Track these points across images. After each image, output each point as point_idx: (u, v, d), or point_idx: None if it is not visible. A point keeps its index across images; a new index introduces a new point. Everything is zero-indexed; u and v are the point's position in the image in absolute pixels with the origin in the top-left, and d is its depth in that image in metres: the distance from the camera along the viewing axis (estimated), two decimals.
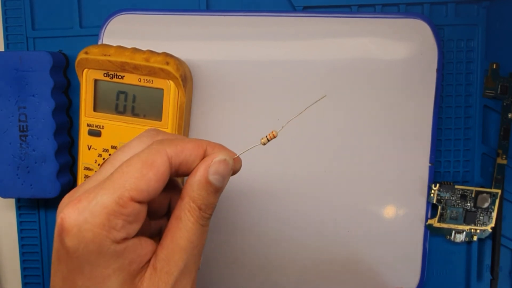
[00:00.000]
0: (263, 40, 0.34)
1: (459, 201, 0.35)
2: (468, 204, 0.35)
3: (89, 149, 0.33)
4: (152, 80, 0.32)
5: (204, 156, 0.23)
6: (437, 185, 0.35)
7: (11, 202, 0.38)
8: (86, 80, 0.32)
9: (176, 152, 0.22)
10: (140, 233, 0.22)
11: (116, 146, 0.32)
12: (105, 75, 0.32)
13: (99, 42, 0.35)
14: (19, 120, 0.34)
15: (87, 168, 0.33)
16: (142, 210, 0.21)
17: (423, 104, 0.34)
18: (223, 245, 0.35)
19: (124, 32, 0.35)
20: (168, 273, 0.22)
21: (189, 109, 0.34)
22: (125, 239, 0.21)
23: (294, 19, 0.34)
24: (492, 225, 0.35)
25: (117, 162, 0.22)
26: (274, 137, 0.25)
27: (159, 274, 0.22)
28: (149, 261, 0.22)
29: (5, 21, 0.36)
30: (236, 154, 0.24)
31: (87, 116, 0.33)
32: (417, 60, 0.34)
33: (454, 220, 0.35)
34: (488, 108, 0.36)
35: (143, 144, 0.23)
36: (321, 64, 0.34)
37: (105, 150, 0.33)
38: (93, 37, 0.35)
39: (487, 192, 0.35)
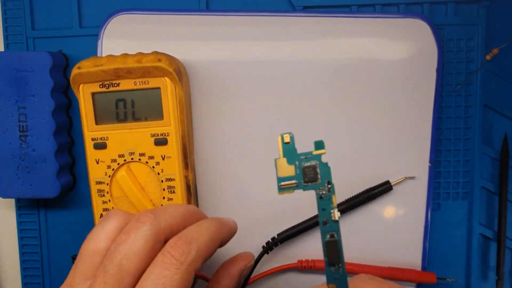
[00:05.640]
0: (263, 40, 0.34)
1: None
2: None
3: (97, 163, 0.32)
4: (148, 81, 0.31)
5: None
6: None
7: (11, 202, 0.38)
8: (84, 95, 0.32)
9: None
10: None
11: (123, 155, 0.32)
12: (101, 86, 0.32)
13: (99, 42, 0.34)
14: (19, 120, 0.34)
15: (98, 183, 0.33)
16: None
17: (423, 104, 0.34)
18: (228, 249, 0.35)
19: (124, 32, 0.35)
20: None
21: (189, 104, 0.34)
22: None
23: (294, 19, 0.34)
24: None
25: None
26: None
27: None
28: None
29: (5, 21, 0.36)
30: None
31: (90, 131, 0.32)
32: (417, 60, 0.34)
33: None
34: (488, 107, 0.35)
35: (104, 235, 0.25)
36: (321, 64, 0.34)
37: (113, 161, 0.32)
38: (93, 37, 0.35)
39: None
